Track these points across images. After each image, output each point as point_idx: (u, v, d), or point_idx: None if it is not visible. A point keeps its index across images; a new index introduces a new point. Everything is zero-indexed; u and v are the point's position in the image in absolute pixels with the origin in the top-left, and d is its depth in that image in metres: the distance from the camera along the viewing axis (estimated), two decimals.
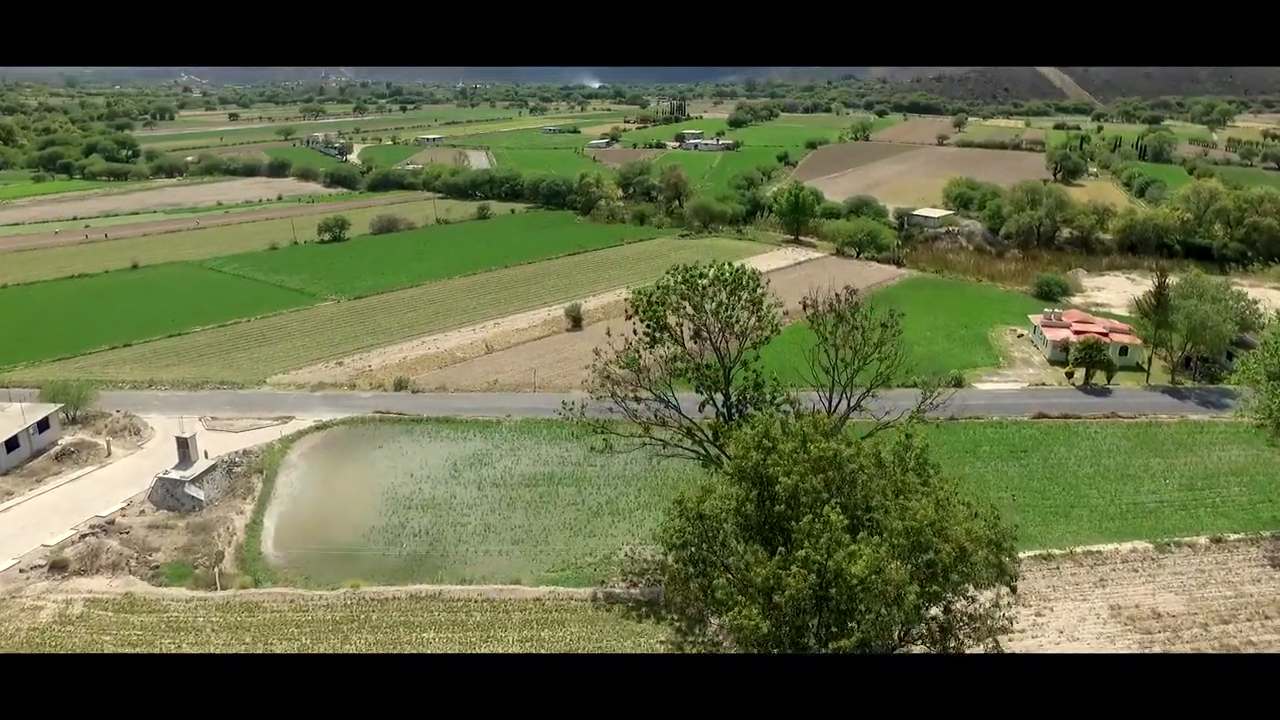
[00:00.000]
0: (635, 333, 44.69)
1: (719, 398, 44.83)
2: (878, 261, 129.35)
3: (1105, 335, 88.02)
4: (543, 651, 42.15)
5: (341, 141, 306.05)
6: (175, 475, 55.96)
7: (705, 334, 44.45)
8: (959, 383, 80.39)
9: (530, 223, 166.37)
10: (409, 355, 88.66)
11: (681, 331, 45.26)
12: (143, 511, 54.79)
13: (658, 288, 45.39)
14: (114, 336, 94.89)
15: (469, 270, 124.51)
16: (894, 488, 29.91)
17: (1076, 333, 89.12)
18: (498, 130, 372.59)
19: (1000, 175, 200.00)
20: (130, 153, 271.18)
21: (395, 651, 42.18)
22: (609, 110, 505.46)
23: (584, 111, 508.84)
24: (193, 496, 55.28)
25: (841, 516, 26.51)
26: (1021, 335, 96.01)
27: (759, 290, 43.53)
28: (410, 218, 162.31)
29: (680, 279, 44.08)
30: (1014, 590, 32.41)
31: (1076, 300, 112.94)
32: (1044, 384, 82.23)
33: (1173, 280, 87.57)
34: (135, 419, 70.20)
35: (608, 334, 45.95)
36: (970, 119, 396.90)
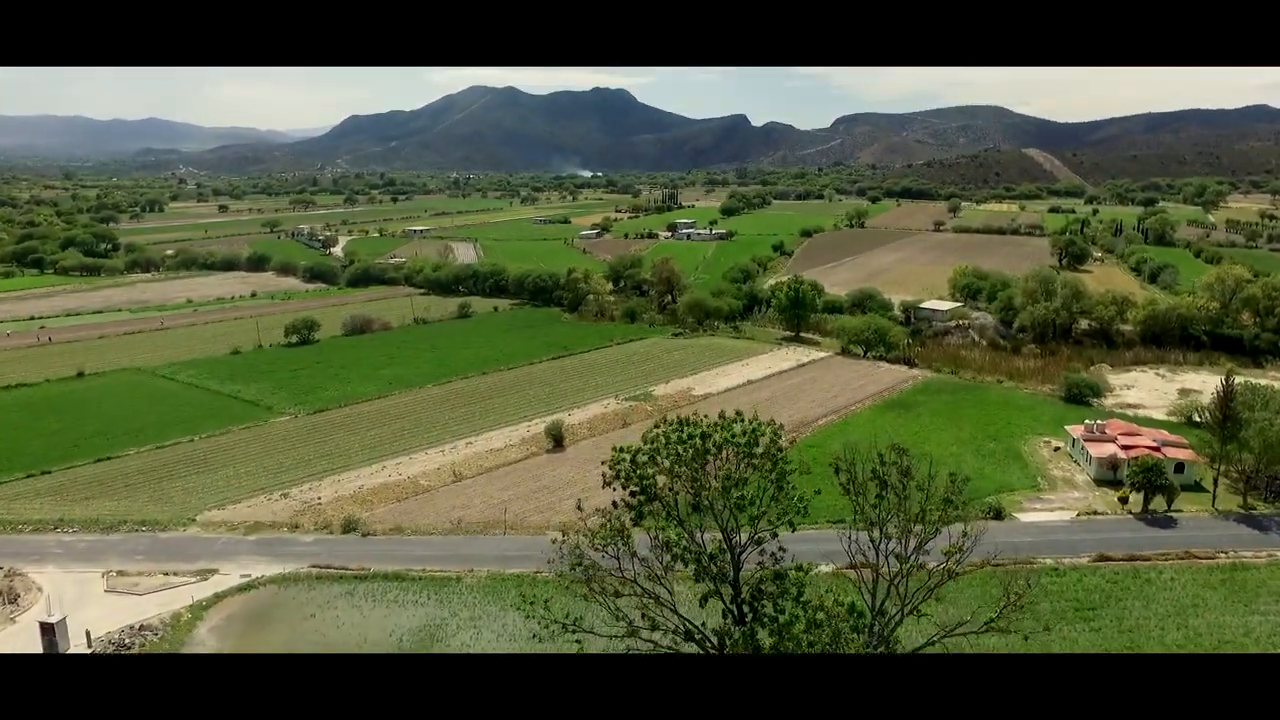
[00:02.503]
0: (615, 505, 33.92)
1: (727, 591, 33.73)
2: (887, 361, 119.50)
3: (1157, 450, 77.48)
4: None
5: (326, 234, 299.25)
6: None
7: (708, 505, 33.67)
8: (998, 514, 69.63)
9: (514, 321, 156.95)
10: (366, 484, 77.44)
11: (675, 500, 34.44)
12: None
13: (646, 442, 34.83)
14: (34, 462, 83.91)
15: (443, 378, 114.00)
16: None
17: (1124, 447, 78.60)
18: (488, 221, 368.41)
19: (1003, 262, 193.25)
20: (109, 246, 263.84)
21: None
22: (600, 199, 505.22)
23: (575, 201, 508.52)
24: None
25: None
26: (1059, 449, 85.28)
27: (780, 455, 32.89)
28: (386, 317, 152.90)
29: (674, 436, 33.60)
30: None
31: (1107, 402, 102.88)
32: (1096, 512, 71.23)
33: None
34: (20, 578, 58.49)
35: (579, 507, 34.99)
36: (963, 204, 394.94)
